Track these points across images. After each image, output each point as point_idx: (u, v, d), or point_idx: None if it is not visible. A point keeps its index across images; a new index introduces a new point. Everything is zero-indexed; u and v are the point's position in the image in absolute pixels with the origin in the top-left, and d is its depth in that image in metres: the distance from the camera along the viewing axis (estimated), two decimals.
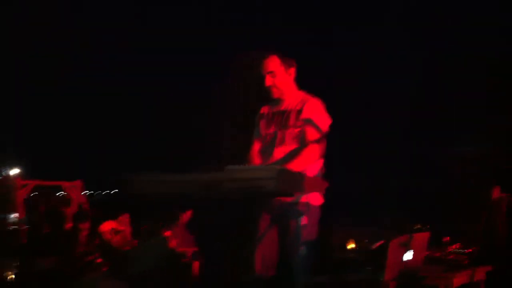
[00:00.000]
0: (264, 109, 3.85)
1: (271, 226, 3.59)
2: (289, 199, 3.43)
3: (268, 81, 3.67)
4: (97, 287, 4.84)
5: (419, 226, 4.99)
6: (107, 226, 6.92)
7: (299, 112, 3.61)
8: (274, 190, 3.03)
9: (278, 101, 3.76)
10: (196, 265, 6.34)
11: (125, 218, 7.15)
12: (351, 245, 6.56)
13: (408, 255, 3.81)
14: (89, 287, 4.92)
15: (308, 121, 3.53)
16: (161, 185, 3.14)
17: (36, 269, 6.60)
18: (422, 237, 3.94)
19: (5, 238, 8.79)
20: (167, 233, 6.78)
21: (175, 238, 6.91)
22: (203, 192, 3.04)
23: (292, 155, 3.47)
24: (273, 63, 3.67)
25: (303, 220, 3.46)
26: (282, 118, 3.68)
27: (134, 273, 4.90)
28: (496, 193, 3.26)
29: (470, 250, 3.97)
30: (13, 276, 6.97)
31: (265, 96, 3.78)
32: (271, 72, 3.66)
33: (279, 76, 3.67)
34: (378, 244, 4.00)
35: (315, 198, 3.56)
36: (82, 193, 13.51)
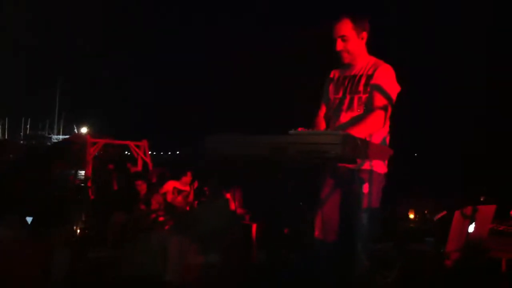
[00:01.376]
0: (334, 73, 3.80)
1: (333, 191, 3.59)
2: (352, 166, 3.42)
3: (339, 45, 3.60)
4: (163, 242, 5.03)
5: (484, 198, 4.88)
6: (170, 186, 7.14)
7: (369, 77, 3.55)
8: (337, 156, 3.01)
9: (348, 65, 3.69)
10: (254, 227, 6.47)
11: (187, 178, 7.34)
12: (412, 215, 6.51)
13: (472, 227, 3.75)
14: (155, 241, 5.11)
15: (377, 87, 3.47)
16: (232, 147, 3.16)
17: (105, 224, 6.91)
18: (487, 209, 3.86)
19: (75, 194, 9.19)
20: (228, 195, 6.93)
21: (234, 201, 7.06)
22: (269, 155, 3.05)
23: (358, 121, 3.42)
24: (345, 27, 3.58)
25: (366, 188, 3.44)
26: (351, 83, 3.62)
27: (197, 232, 5.05)
28: None
29: None
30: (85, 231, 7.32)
31: (336, 59, 3.73)
32: (342, 36, 3.59)
33: (351, 40, 3.59)
34: (440, 215, 3.93)
35: (379, 166, 3.53)
36: (148, 152, 13.89)
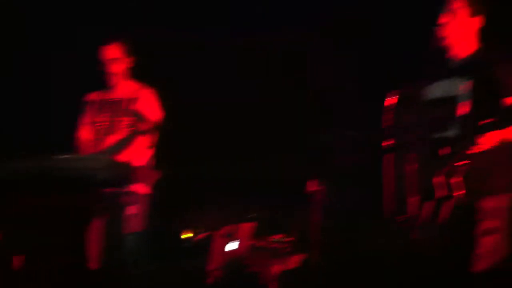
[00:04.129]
0: (93, 96, 3.81)
1: (97, 216, 3.57)
2: (117, 189, 3.44)
3: (109, 67, 3.65)
4: None
5: (254, 215, 5.21)
6: None
7: (132, 101, 3.64)
8: (102, 180, 3.04)
9: (109, 88, 3.74)
10: None
11: None
12: (187, 235, 6.68)
13: (233, 245, 4.01)
14: None
15: (140, 111, 3.56)
16: None
17: None
18: (247, 227, 4.16)
19: None
20: None
21: None
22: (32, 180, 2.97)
23: (121, 144, 3.49)
24: (115, 51, 3.66)
25: (131, 210, 3.49)
26: (114, 106, 3.68)
27: None
28: (312, 186, 3.55)
29: (291, 239, 4.25)
30: None
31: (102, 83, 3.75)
32: (113, 59, 3.65)
33: (120, 63, 3.66)
34: (202, 235, 4.14)
35: (143, 187, 3.61)
36: None
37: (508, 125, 2.31)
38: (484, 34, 2.87)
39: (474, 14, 2.82)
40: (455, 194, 2.61)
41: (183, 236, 6.36)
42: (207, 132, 5.09)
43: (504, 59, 2.71)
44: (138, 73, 3.81)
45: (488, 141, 2.45)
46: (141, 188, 3.57)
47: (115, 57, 3.67)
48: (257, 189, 4.57)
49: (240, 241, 4.03)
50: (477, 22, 2.84)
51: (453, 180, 2.61)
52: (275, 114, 4.90)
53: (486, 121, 2.38)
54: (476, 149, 2.48)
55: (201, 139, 5.05)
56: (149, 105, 3.65)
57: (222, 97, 5.02)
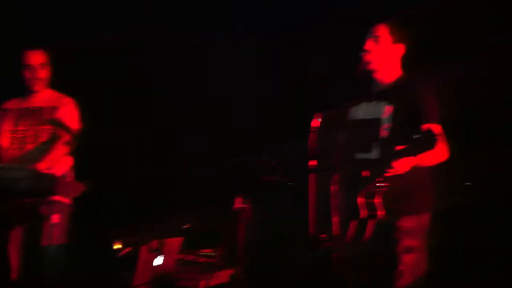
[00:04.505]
0: (11, 104, 3.76)
1: (17, 226, 3.51)
2: (37, 199, 3.38)
3: (32, 73, 3.62)
4: None
5: (183, 228, 5.16)
6: None
7: (51, 110, 3.63)
8: (25, 190, 3.00)
9: (28, 96, 3.72)
10: None
11: None
12: (118, 246, 6.55)
13: (161, 259, 3.96)
14: None
15: (60, 120, 3.53)
16: None
17: None
18: (174, 241, 4.12)
19: None
20: None
21: None
22: None
23: (41, 153, 3.46)
24: (40, 57, 3.66)
25: (52, 220, 3.44)
26: (34, 115, 3.65)
27: None
28: (238, 202, 3.58)
29: (220, 254, 4.25)
30: None
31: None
32: (40, 64, 3.65)
33: (46, 70, 3.67)
34: (125, 250, 4.08)
35: (64, 198, 3.54)
36: None
37: (422, 151, 2.41)
38: (407, 61, 3.00)
39: (396, 41, 2.96)
40: (377, 214, 2.71)
41: (114, 247, 6.24)
42: (137, 142, 5.07)
43: (425, 86, 2.84)
44: (58, 81, 3.80)
45: (403, 165, 2.55)
46: (62, 198, 3.51)
47: (38, 63, 3.66)
48: (187, 202, 4.56)
49: (168, 255, 3.98)
50: (399, 49, 2.97)
51: (374, 201, 2.71)
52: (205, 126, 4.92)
53: (402, 146, 2.49)
54: (392, 173, 2.58)
55: (131, 148, 5.01)
56: (70, 114, 3.66)
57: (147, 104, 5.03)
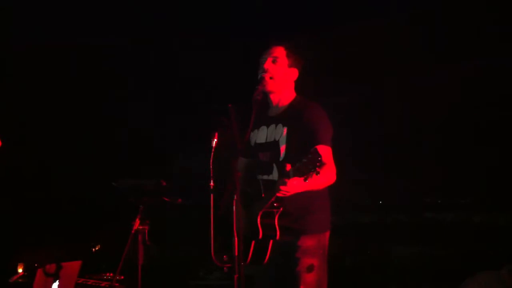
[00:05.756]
0: None
1: None
2: None
3: None
4: None
5: (98, 247, 5.01)
6: None
7: None
8: None
9: None
10: None
11: None
12: (20, 269, 6.22)
13: (56, 285, 3.82)
14: None
15: None
16: None
17: None
18: (72, 266, 3.99)
19: None
20: None
21: None
22: None
23: None
24: None
25: None
26: None
27: None
28: (136, 224, 3.51)
29: (121, 278, 4.16)
30: None
31: None
32: None
33: None
34: (16, 276, 3.92)
35: None
36: None
37: (307, 172, 2.49)
38: (301, 85, 3.09)
39: (291, 65, 3.04)
40: (275, 234, 2.76)
41: (19, 270, 5.93)
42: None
43: (316, 111, 2.94)
44: None
45: (291, 187, 2.62)
46: None
47: None
48: (88, 226, 4.44)
49: (65, 279, 3.85)
50: (294, 73, 3.06)
51: (271, 221, 2.76)
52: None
53: (291, 167, 2.57)
54: (283, 194, 2.66)
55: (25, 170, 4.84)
56: None
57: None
